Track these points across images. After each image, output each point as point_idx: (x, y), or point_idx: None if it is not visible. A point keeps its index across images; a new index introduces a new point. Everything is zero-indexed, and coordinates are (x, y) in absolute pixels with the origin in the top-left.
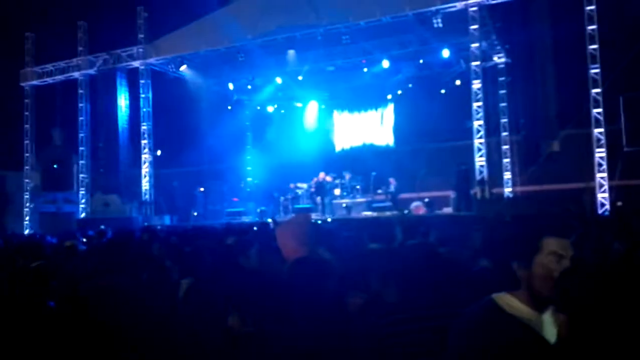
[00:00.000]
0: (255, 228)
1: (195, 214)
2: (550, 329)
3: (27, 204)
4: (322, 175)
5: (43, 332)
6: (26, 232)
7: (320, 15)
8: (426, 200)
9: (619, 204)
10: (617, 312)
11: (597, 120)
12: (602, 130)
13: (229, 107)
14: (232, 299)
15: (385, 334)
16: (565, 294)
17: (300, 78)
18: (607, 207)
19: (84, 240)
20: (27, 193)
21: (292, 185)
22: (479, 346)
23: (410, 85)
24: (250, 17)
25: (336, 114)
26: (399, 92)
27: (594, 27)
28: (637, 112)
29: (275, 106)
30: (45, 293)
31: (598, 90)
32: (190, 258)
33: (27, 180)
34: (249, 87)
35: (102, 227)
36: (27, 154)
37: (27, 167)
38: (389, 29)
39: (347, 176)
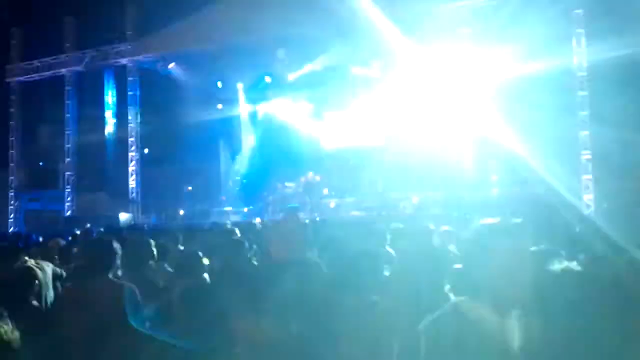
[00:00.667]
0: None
1: (181, 212)
2: (513, 334)
3: (12, 202)
4: (310, 174)
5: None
6: (11, 230)
7: (309, 15)
8: (415, 199)
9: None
10: (581, 317)
11: (583, 121)
12: (587, 132)
13: (219, 106)
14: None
15: None
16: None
17: (290, 77)
18: (592, 208)
19: (70, 238)
20: (12, 191)
21: (279, 185)
22: (443, 351)
23: (402, 85)
24: (240, 15)
25: (326, 113)
26: (389, 91)
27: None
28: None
29: (265, 105)
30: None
31: (584, 92)
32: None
33: (12, 178)
34: (239, 85)
35: (88, 225)
36: (12, 151)
37: (12, 165)
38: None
39: (335, 176)
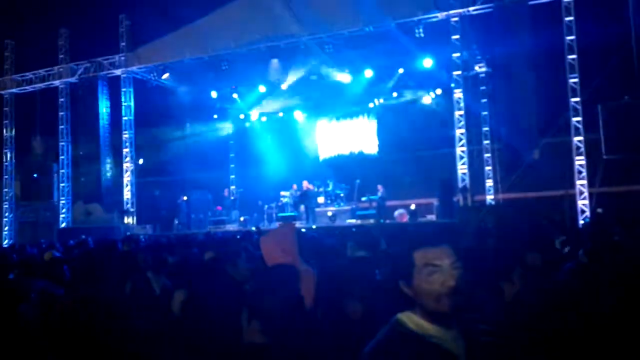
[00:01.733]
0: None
1: (177, 222)
2: (458, 344)
3: (7, 214)
4: (305, 183)
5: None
6: (5, 242)
7: (303, 24)
8: (412, 207)
9: (600, 210)
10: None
11: (576, 128)
12: (581, 138)
13: (215, 116)
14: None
15: None
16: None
17: (283, 87)
18: (587, 214)
19: (64, 250)
20: (7, 202)
21: (282, 193)
22: None
23: (394, 95)
24: (234, 25)
25: (320, 123)
26: (382, 100)
27: (572, 37)
28: (616, 121)
29: (259, 115)
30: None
31: (577, 99)
32: (176, 269)
33: (6, 190)
34: (234, 95)
35: (83, 236)
36: (6, 163)
37: (6, 177)
38: (372, 39)
39: (331, 184)
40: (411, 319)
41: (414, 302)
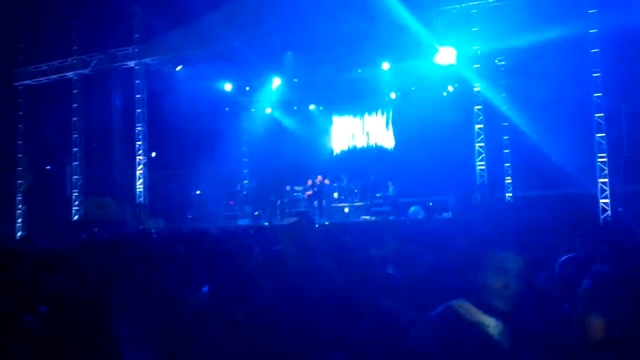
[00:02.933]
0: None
1: (191, 217)
2: (505, 338)
3: (20, 206)
4: (319, 178)
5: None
6: (18, 234)
7: (318, 17)
8: (430, 204)
9: (620, 209)
10: None
11: (598, 124)
12: (603, 135)
13: (227, 109)
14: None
15: None
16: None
17: (295, 80)
18: (609, 212)
19: (77, 243)
20: (20, 195)
21: (288, 188)
22: (439, 352)
23: (413, 88)
24: (249, 17)
25: (335, 117)
26: (398, 94)
27: (595, 30)
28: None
29: (273, 108)
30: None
31: (599, 94)
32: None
33: (19, 182)
34: (247, 88)
35: (96, 229)
36: (20, 155)
37: (20, 169)
38: (389, 30)
39: (345, 180)
40: (465, 307)
41: (468, 293)
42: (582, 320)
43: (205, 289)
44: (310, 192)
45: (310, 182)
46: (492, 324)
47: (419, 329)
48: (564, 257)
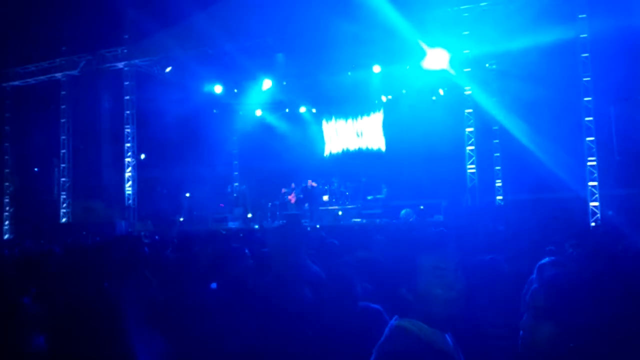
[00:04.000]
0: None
1: (182, 219)
2: (458, 350)
3: (7, 208)
4: (309, 182)
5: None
6: (5, 237)
7: (310, 18)
8: (421, 207)
9: (610, 213)
10: None
11: (588, 128)
12: (593, 138)
13: (215, 111)
14: None
15: None
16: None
17: (284, 83)
18: (598, 215)
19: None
20: (7, 197)
21: (283, 190)
22: None
23: (403, 91)
24: (239, 19)
25: (326, 119)
26: (390, 97)
27: (585, 35)
28: (628, 121)
29: (263, 110)
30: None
31: (589, 98)
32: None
33: (6, 184)
34: (235, 90)
35: (84, 233)
36: (6, 157)
37: (7, 171)
38: (380, 33)
39: (336, 182)
40: (414, 324)
41: (415, 308)
42: (530, 330)
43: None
44: (293, 195)
45: (293, 184)
46: (440, 340)
47: (377, 351)
48: (543, 261)
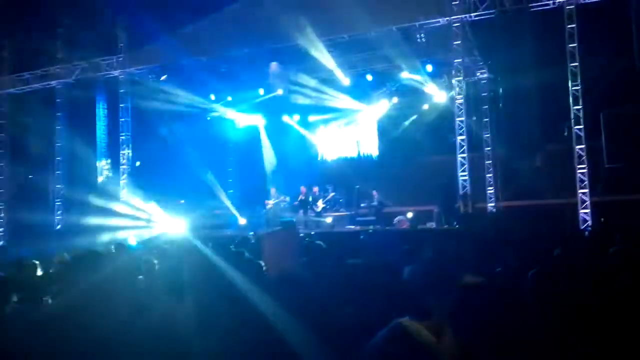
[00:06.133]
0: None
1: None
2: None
3: (2, 215)
4: (303, 189)
5: None
6: (0, 243)
7: (304, 28)
8: (409, 215)
9: (602, 220)
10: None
11: (578, 136)
12: (583, 146)
13: (208, 118)
14: None
15: None
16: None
17: (280, 92)
18: (589, 223)
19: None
20: (2, 204)
21: (282, 197)
22: None
23: (395, 100)
24: (233, 28)
25: (320, 126)
26: (383, 105)
27: (574, 44)
28: (618, 129)
29: (258, 118)
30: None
31: (579, 107)
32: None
33: (2, 191)
34: (229, 98)
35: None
36: (1, 164)
37: (2, 177)
38: (374, 43)
39: (330, 190)
40: (416, 327)
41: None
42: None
43: None
44: (272, 202)
45: (273, 190)
46: (437, 344)
47: (373, 346)
48: (535, 270)
